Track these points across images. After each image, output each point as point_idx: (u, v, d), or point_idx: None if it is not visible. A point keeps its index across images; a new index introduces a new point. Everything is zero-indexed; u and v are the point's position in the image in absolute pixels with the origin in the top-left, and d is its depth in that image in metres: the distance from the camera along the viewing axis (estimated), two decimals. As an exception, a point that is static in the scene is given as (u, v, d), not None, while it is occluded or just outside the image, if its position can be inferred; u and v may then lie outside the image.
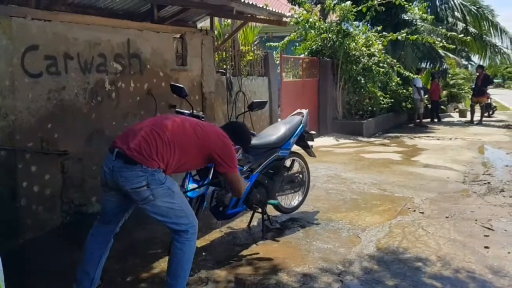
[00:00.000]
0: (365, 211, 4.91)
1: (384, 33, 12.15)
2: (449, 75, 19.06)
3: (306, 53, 11.82)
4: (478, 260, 3.52)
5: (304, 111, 4.80)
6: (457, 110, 19.48)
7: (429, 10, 14.05)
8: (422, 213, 4.80)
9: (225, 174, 3.03)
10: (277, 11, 6.85)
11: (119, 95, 5.08)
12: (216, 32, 7.16)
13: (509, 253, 3.65)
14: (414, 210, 4.89)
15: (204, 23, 8.01)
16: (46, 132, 4.30)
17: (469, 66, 29.01)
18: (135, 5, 5.97)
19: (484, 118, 14.95)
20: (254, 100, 4.57)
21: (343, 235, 4.19)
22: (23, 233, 4.09)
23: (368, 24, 12.90)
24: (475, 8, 15.40)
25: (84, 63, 4.64)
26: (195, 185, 3.62)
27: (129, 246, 4.01)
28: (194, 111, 3.96)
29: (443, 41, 12.66)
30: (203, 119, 3.89)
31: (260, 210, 4.23)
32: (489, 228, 4.24)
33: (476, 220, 4.50)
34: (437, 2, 15.68)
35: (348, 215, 4.75)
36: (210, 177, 3.67)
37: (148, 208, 2.75)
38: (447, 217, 4.64)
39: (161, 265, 3.59)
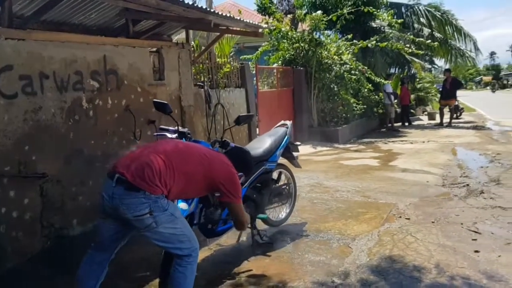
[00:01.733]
0: (352, 219, 4.91)
1: (354, 41, 12.35)
2: (417, 79, 19.56)
3: (279, 63, 11.89)
4: (470, 265, 3.56)
5: (288, 122, 4.79)
6: (425, 113, 20.00)
7: (396, 17, 14.39)
8: (408, 219, 4.83)
9: (229, 204, 2.99)
10: (252, 22, 6.84)
11: (97, 113, 4.94)
12: (192, 44, 7.08)
13: (499, 256, 3.70)
14: (400, 216, 4.93)
15: (180, 36, 7.93)
16: (24, 154, 4.12)
17: (433, 69, 29.92)
18: (110, 20, 5.85)
19: (453, 120, 15.37)
20: (241, 114, 4.52)
21: (334, 246, 4.16)
22: (3, 261, 3.89)
23: (339, 33, 13.10)
24: (440, 13, 15.88)
25: (61, 82, 4.50)
26: (184, 204, 3.52)
27: (116, 270, 3.85)
28: (180, 128, 3.86)
29: (412, 47, 12.96)
30: (189, 135, 3.81)
31: (249, 225, 4.16)
32: (476, 232, 4.30)
33: (461, 223, 4.57)
34: (403, 9, 16.10)
35: (336, 225, 4.74)
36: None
37: (150, 235, 2.65)
38: (433, 222, 4.69)
39: (152, 288, 3.47)
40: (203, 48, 7.81)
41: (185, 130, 3.85)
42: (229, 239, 4.41)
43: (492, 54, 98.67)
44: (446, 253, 3.84)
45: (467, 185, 6.23)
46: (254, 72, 9.89)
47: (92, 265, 2.88)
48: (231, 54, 9.48)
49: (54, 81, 4.43)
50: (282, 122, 4.84)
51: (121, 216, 2.61)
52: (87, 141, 4.81)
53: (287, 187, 4.80)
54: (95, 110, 4.91)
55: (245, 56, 12.19)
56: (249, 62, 10.15)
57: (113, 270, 3.82)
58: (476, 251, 3.82)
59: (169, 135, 3.89)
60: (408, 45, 13.01)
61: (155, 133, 4.38)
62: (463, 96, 30.34)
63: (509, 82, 68.08)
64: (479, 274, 3.38)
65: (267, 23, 10.76)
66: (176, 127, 3.88)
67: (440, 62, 27.13)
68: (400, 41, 13.98)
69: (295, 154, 4.85)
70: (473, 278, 3.33)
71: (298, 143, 5.02)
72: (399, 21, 13.31)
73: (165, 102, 3.91)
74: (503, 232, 4.31)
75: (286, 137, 4.57)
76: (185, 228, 2.77)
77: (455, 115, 16.26)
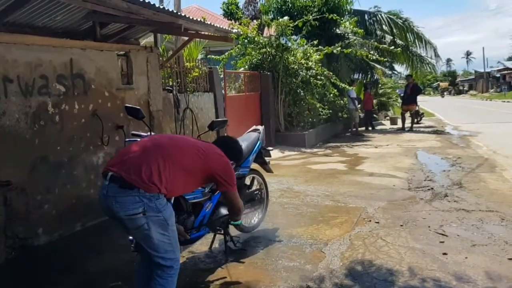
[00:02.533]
0: (324, 224, 4.96)
1: (320, 46, 12.54)
2: (379, 85, 20.05)
3: (246, 68, 11.91)
4: (440, 267, 3.65)
5: (260, 128, 4.79)
6: (387, 118, 20.52)
7: (359, 24, 14.73)
8: (378, 222, 4.92)
9: (226, 193, 3.00)
10: (222, 27, 6.83)
11: (63, 118, 4.80)
12: (160, 48, 6.99)
13: (466, 258, 3.82)
14: (370, 220, 5.01)
15: (148, 40, 7.82)
16: (-14, 162, 3.95)
17: (393, 75, 30.75)
18: (76, 23, 5.69)
19: (414, 125, 15.83)
20: (215, 120, 4.49)
21: (307, 251, 4.19)
22: (-37, 275, 3.71)
23: (304, 38, 13.27)
24: (401, 21, 16.35)
25: (25, 86, 4.35)
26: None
27: (86, 280, 3.76)
28: (152, 133, 3.79)
29: (375, 54, 13.29)
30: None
31: (222, 231, 4.13)
32: (442, 234, 4.43)
33: (429, 226, 4.69)
34: (366, 16, 16.49)
35: (308, 230, 4.77)
36: (172, 201, 3.53)
37: (139, 236, 2.60)
38: (401, 225, 4.79)
39: (125, 298, 3.38)
40: (170, 52, 7.72)
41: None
42: (202, 246, 4.36)
43: (448, 60, 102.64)
44: (416, 255, 3.93)
45: (432, 188, 6.42)
46: (222, 76, 9.86)
47: (138, 278, 2.93)
48: (199, 59, 9.42)
49: (18, 85, 4.28)
50: (254, 127, 4.84)
51: (114, 215, 2.54)
52: (53, 147, 4.67)
53: (260, 193, 4.79)
54: (61, 115, 4.77)
55: (212, 56, 12.16)
56: (217, 67, 10.11)
57: (82, 281, 3.74)
58: (444, 254, 3.93)
59: (141, 141, 3.81)
60: (371, 52, 13.32)
61: (127, 139, 4.30)
62: (422, 101, 31.32)
63: (464, 88, 70.94)
64: (449, 276, 3.48)
65: (233, 28, 10.76)
66: (149, 132, 3.81)
67: (400, 68, 27.93)
68: (364, 48, 14.30)
69: (267, 159, 4.85)
70: (443, 280, 3.42)
71: (270, 148, 5.02)
72: (360, 30, 13.67)
73: (138, 107, 3.83)
74: (468, 234, 4.45)
75: (258, 143, 4.57)
76: (173, 238, 2.69)
77: (415, 120, 16.75)
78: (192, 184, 2.91)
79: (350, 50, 12.48)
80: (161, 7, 5.33)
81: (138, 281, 2.90)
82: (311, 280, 3.54)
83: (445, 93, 62.14)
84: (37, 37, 4.58)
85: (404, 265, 3.73)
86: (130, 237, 3.44)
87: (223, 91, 9.49)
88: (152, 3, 4.87)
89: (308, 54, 12.22)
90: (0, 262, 4.07)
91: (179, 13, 5.76)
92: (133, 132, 4.07)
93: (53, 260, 4.20)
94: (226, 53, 11.81)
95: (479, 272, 3.53)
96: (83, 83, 5.07)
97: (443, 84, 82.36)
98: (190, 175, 2.73)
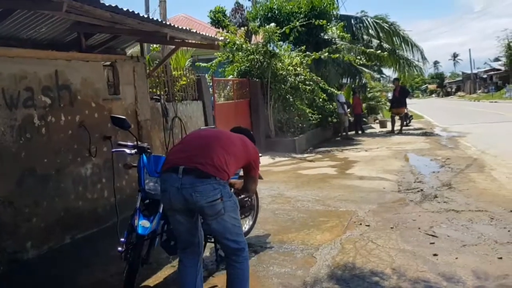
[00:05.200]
0: (315, 229, 4.96)
1: (307, 52, 12.59)
2: (367, 89, 20.19)
3: (234, 75, 11.93)
4: (430, 268, 3.66)
5: (249, 135, 4.78)
6: (377, 121, 20.67)
7: (346, 29, 14.83)
8: (368, 225, 4.93)
9: (254, 177, 3.25)
10: (208, 35, 6.83)
11: (50, 130, 4.76)
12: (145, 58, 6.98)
13: (456, 258, 3.83)
14: (360, 224, 5.02)
15: (134, 49, 7.80)
16: (-29, 176, 3.90)
17: (381, 79, 31.01)
18: (61, 34, 5.66)
19: (403, 127, 15.93)
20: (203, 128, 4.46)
21: (298, 257, 4.18)
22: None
23: (292, 45, 13.33)
24: (388, 25, 16.49)
25: (10, 99, 4.31)
26: (146, 221, 3.43)
27: (75, 293, 3.71)
28: (139, 143, 3.77)
29: (362, 58, 13.38)
30: (148, 150, 3.73)
31: (213, 239, 4.10)
32: (433, 235, 4.45)
33: (419, 228, 4.71)
34: (352, 21, 16.60)
35: (299, 235, 4.77)
36: (161, 210, 3.51)
37: (213, 223, 2.76)
38: (392, 227, 4.81)
39: (116, 310, 3.34)
40: (156, 62, 7.71)
41: (145, 145, 3.77)
42: (192, 255, 4.32)
43: (436, 63, 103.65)
44: (406, 257, 3.94)
45: (421, 190, 6.45)
46: (210, 84, 9.86)
47: (186, 264, 3.00)
48: (187, 67, 9.42)
49: (3, 98, 4.24)
50: (243, 134, 4.82)
51: (192, 205, 2.73)
52: (40, 159, 4.62)
53: (250, 199, 4.77)
54: (48, 127, 4.73)
55: (200, 63, 12.16)
56: (205, 75, 10.12)
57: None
58: (435, 255, 3.94)
59: (127, 150, 3.80)
60: (359, 57, 13.42)
61: (113, 149, 4.27)
62: (410, 104, 31.53)
63: (452, 90, 71.63)
64: (439, 277, 3.49)
65: (220, 36, 10.79)
66: (135, 142, 3.79)
67: (388, 72, 28.20)
68: (351, 53, 14.41)
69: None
70: (433, 281, 3.43)
71: (259, 154, 5.01)
72: (347, 35, 13.77)
73: (123, 117, 3.81)
74: (458, 234, 4.48)
75: (247, 149, 4.55)
76: (240, 221, 2.98)
77: (405, 122, 16.86)
78: (235, 171, 3.15)
79: (337, 55, 12.54)
80: (146, 16, 5.32)
81: (187, 281, 2.98)
82: (303, 285, 3.54)
83: (433, 95, 62.76)
84: (21, 50, 4.55)
85: (395, 267, 3.74)
86: (120, 248, 3.42)
87: (212, 99, 9.48)
88: (136, 12, 4.85)
89: (296, 60, 12.26)
90: (-13, 278, 4.00)
91: (164, 22, 5.75)
92: (119, 142, 4.04)
93: (42, 273, 4.14)
94: (215, 60, 11.81)
95: (469, 272, 3.55)
96: (69, 94, 5.03)
97: (431, 86, 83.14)
98: (237, 162, 2.98)
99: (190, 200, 2.71)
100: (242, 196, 4.71)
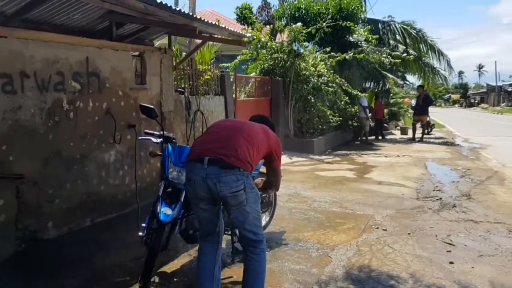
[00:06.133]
0: (331, 229, 4.97)
1: (332, 53, 12.56)
2: (391, 94, 20.01)
3: (257, 72, 11.96)
4: (446, 276, 3.65)
5: (271, 132, 4.81)
6: (398, 127, 20.48)
7: (372, 33, 14.72)
8: (385, 230, 4.93)
9: (276, 167, 3.26)
10: (236, 31, 6.89)
11: (77, 115, 4.86)
12: (173, 50, 7.07)
13: (473, 267, 3.81)
14: (377, 228, 5.01)
15: (161, 41, 7.90)
16: (1, 154, 4.02)
17: (405, 85, 30.70)
18: (92, 22, 5.78)
19: (424, 136, 15.75)
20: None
21: (314, 255, 4.20)
22: (-26, 264, 3.76)
23: (317, 45, 13.30)
24: (415, 31, 16.32)
25: (41, 82, 4.42)
26: (168, 209, 3.50)
27: (94, 274, 3.79)
28: (165, 132, 3.84)
29: (388, 58, 13.27)
30: (174, 140, 3.80)
31: (229, 231, 4.16)
32: (450, 244, 4.43)
33: (436, 236, 4.69)
34: (379, 25, 16.48)
35: (315, 235, 4.79)
36: (182, 200, 3.57)
37: (235, 213, 2.83)
38: (409, 233, 4.79)
39: (132, 294, 3.42)
40: (183, 54, 7.79)
41: (170, 135, 3.84)
42: (208, 246, 4.38)
43: (461, 73, 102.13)
44: (422, 263, 3.93)
45: (440, 198, 6.40)
46: (232, 80, 9.92)
47: (206, 252, 3.05)
48: (211, 62, 9.49)
49: (35, 80, 4.35)
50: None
51: (215, 195, 2.79)
52: (66, 143, 4.73)
53: (268, 196, 4.81)
54: (76, 112, 4.83)
55: (223, 64, 12.22)
56: (228, 70, 10.18)
57: (90, 275, 3.78)
58: (451, 262, 3.92)
59: (153, 139, 3.88)
60: (384, 54, 13.32)
61: (140, 137, 4.35)
62: (433, 113, 31.15)
63: (476, 101, 70.47)
64: (455, 285, 3.48)
65: (246, 32, 10.83)
66: (161, 132, 3.86)
67: (412, 79, 27.91)
68: (377, 52, 14.28)
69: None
70: (449, 288, 3.43)
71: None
72: (375, 36, 13.67)
73: (152, 106, 3.88)
74: (475, 244, 4.45)
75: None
76: (261, 214, 3.04)
77: (426, 130, 16.68)
78: (258, 161, 3.14)
79: (362, 55, 12.44)
80: (177, 9, 5.39)
81: (205, 268, 3.02)
82: (317, 283, 3.56)
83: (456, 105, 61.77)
84: (55, 34, 4.66)
85: (410, 272, 3.73)
86: (140, 233, 3.50)
87: (233, 95, 9.54)
88: (169, 5, 4.93)
89: (318, 60, 12.24)
90: (10, 254, 4.12)
91: (194, 16, 5.82)
92: (146, 131, 4.12)
93: (62, 253, 4.26)
94: (238, 58, 11.86)
95: (485, 282, 3.53)
96: (98, 81, 5.14)
97: (455, 96, 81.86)
98: (260, 153, 3.00)
99: (214, 190, 2.77)
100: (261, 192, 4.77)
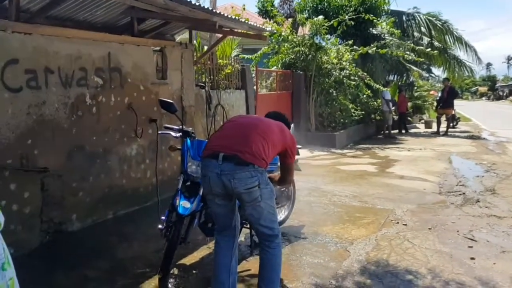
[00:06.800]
0: (350, 224, 4.96)
1: (354, 46, 12.42)
2: (415, 88, 19.68)
3: (279, 66, 11.94)
4: (466, 271, 3.61)
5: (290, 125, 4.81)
6: (422, 121, 20.13)
7: (396, 25, 14.50)
8: (405, 225, 4.88)
9: (290, 164, 3.30)
10: (256, 24, 6.88)
11: (100, 109, 4.96)
12: (194, 44, 7.12)
13: (494, 264, 3.75)
14: (397, 222, 4.97)
15: (182, 36, 7.97)
16: (26, 148, 4.14)
17: (430, 78, 30.09)
18: (114, 18, 5.86)
19: (449, 129, 15.45)
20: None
21: (332, 249, 4.20)
22: (1, 255, 3.89)
23: (339, 38, 13.18)
24: (440, 23, 15.99)
25: (65, 77, 4.52)
26: (186, 202, 3.55)
27: (115, 266, 3.89)
28: (184, 127, 3.89)
29: (412, 53, 13.04)
30: (193, 134, 3.84)
31: (248, 225, 4.19)
32: (471, 239, 4.36)
33: (458, 231, 4.62)
34: (403, 17, 16.21)
35: (334, 229, 4.78)
36: (201, 193, 3.62)
37: (249, 209, 2.86)
38: (429, 228, 4.74)
39: (151, 285, 3.49)
40: (204, 48, 7.83)
41: (190, 129, 3.88)
42: (227, 239, 4.42)
43: (488, 65, 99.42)
44: (442, 259, 3.89)
45: (463, 193, 6.30)
46: (253, 74, 9.93)
47: (222, 246, 3.08)
48: (234, 56, 9.52)
49: (58, 76, 4.45)
50: (284, 124, 4.86)
51: (230, 191, 2.83)
52: (89, 137, 4.83)
53: (287, 190, 4.83)
54: (98, 106, 4.93)
55: (244, 56, 12.23)
56: (250, 65, 10.19)
57: (111, 266, 3.88)
58: (472, 258, 3.87)
59: (173, 133, 3.93)
60: (408, 52, 13.09)
61: (160, 132, 4.42)
62: (459, 106, 30.46)
63: (504, 94, 68.63)
64: (475, 281, 3.43)
65: (267, 26, 10.80)
66: (180, 126, 3.90)
67: (437, 71, 27.31)
68: (400, 49, 14.07)
69: (296, 157, 4.87)
70: (468, 284, 3.38)
71: (299, 146, 5.04)
72: (397, 31, 13.43)
73: (171, 101, 3.93)
74: (498, 240, 4.37)
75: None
76: (276, 209, 3.04)
77: (451, 124, 16.35)
78: (273, 157, 3.13)
79: (385, 50, 12.29)
80: (197, 4, 5.42)
81: (222, 262, 3.05)
82: (334, 277, 3.56)
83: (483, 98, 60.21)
84: (78, 31, 4.76)
85: (429, 267, 3.70)
86: (160, 226, 3.56)
87: (254, 89, 9.56)
88: (188, 0, 4.97)
89: (341, 54, 12.13)
90: (35, 245, 4.25)
91: (214, 10, 5.85)
92: (165, 125, 4.18)
93: (85, 245, 4.37)
94: (259, 52, 11.86)
95: (507, 278, 3.48)
96: (120, 76, 5.22)
97: (482, 89, 79.88)
98: (275, 149, 3.01)
99: (229, 186, 2.80)
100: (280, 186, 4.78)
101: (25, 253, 4.06)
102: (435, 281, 3.44)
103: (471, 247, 4.17)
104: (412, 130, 17.03)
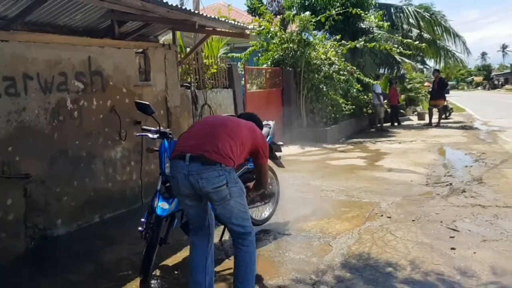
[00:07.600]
0: (335, 218, 4.98)
1: (343, 41, 12.44)
2: (407, 80, 19.71)
3: (268, 63, 11.96)
4: (446, 262, 3.63)
5: (271, 123, 4.84)
6: (415, 113, 20.17)
7: (385, 18, 14.51)
8: (389, 217, 4.91)
9: (262, 165, 3.27)
10: (239, 23, 6.89)
11: (82, 114, 4.98)
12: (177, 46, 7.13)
13: (474, 253, 3.78)
14: (382, 215, 5.00)
15: (167, 37, 7.97)
16: (7, 155, 4.16)
17: (425, 70, 30.13)
18: (95, 22, 5.87)
19: (441, 120, 15.48)
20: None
21: (315, 244, 4.23)
22: (-15, 262, 3.92)
23: (327, 33, 13.19)
24: (429, 14, 16.02)
25: (45, 83, 4.53)
26: (165, 203, 3.57)
27: (99, 269, 3.91)
28: (161, 128, 3.91)
29: (400, 47, 13.06)
30: (170, 135, 3.86)
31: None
32: (454, 229, 4.39)
33: (441, 222, 4.65)
34: (392, 10, 16.23)
35: (319, 224, 4.81)
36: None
37: (219, 208, 2.87)
38: (413, 220, 4.77)
39: (133, 287, 3.51)
40: (188, 48, 7.84)
41: (167, 130, 3.90)
42: (212, 238, 4.44)
43: (484, 54, 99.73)
44: (423, 250, 3.92)
45: (450, 184, 6.33)
46: (242, 72, 9.94)
47: (197, 246, 3.09)
48: (220, 55, 9.53)
49: (38, 82, 4.46)
50: (265, 122, 4.88)
51: (198, 191, 2.83)
52: (72, 141, 4.85)
53: (270, 186, 4.84)
54: (80, 111, 4.94)
55: (233, 54, 12.23)
56: (239, 63, 10.20)
57: (95, 270, 3.90)
58: (453, 248, 3.90)
59: (150, 135, 3.95)
60: (395, 46, 13.10)
61: (137, 134, 4.44)
62: (454, 96, 30.55)
63: (500, 82, 68.77)
64: (453, 271, 3.46)
65: (251, 24, 10.80)
66: (157, 127, 3.92)
67: (432, 63, 27.33)
68: (389, 42, 14.09)
69: (278, 154, 4.90)
70: (446, 274, 3.41)
71: (280, 143, 5.07)
72: (386, 24, 13.42)
73: (147, 103, 3.95)
74: (480, 229, 4.40)
75: (268, 137, 4.62)
76: (247, 206, 3.03)
77: (444, 115, 16.38)
78: (243, 158, 3.15)
79: (373, 44, 12.31)
80: (179, 5, 5.45)
81: (197, 262, 3.06)
82: (314, 272, 3.59)
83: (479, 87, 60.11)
84: (56, 36, 4.77)
85: (409, 259, 3.73)
86: (140, 228, 3.59)
87: (243, 87, 9.57)
88: (165, 1, 4.98)
89: (327, 47, 12.14)
90: (20, 251, 4.27)
91: (194, 11, 5.86)
92: (143, 127, 4.20)
93: (70, 250, 4.39)
94: (248, 50, 11.87)
95: (486, 267, 3.50)
96: (101, 80, 5.23)
97: (477, 79, 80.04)
98: (244, 148, 3.02)
99: (197, 186, 2.80)
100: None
101: (10, 259, 4.08)
102: (414, 273, 3.47)
103: (453, 237, 4.20)
104: (405, 123, 17.07)
